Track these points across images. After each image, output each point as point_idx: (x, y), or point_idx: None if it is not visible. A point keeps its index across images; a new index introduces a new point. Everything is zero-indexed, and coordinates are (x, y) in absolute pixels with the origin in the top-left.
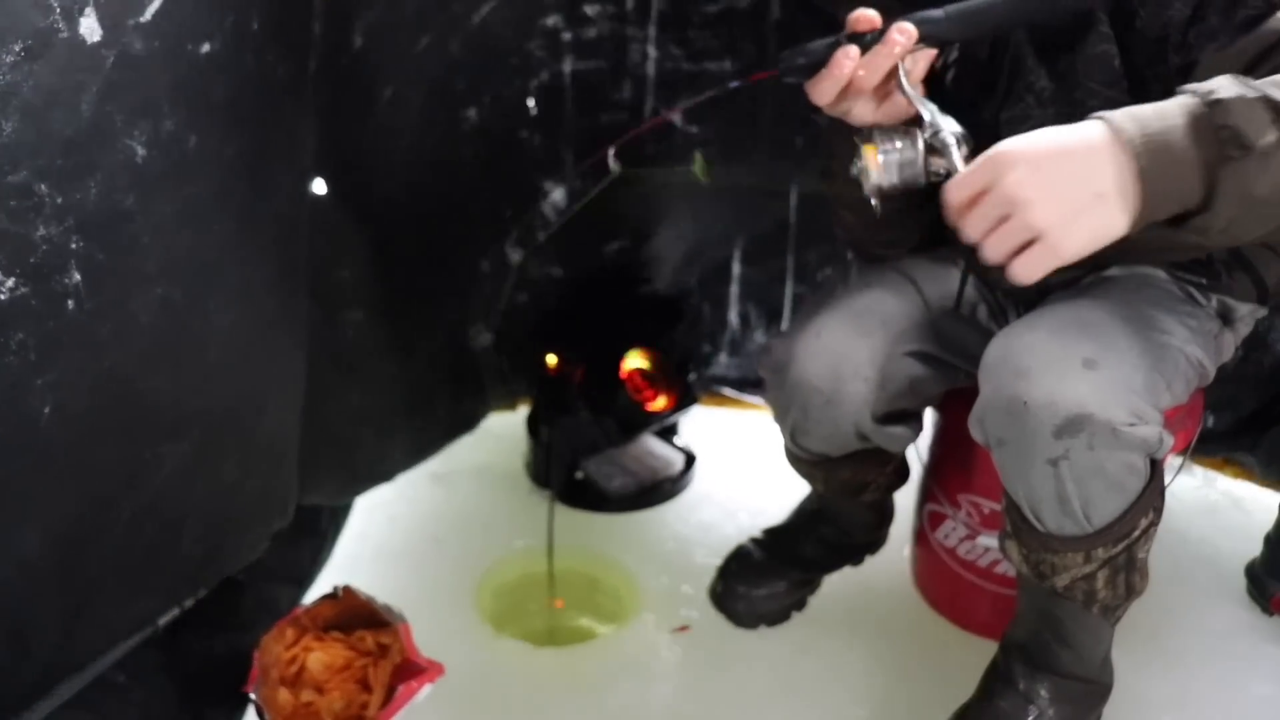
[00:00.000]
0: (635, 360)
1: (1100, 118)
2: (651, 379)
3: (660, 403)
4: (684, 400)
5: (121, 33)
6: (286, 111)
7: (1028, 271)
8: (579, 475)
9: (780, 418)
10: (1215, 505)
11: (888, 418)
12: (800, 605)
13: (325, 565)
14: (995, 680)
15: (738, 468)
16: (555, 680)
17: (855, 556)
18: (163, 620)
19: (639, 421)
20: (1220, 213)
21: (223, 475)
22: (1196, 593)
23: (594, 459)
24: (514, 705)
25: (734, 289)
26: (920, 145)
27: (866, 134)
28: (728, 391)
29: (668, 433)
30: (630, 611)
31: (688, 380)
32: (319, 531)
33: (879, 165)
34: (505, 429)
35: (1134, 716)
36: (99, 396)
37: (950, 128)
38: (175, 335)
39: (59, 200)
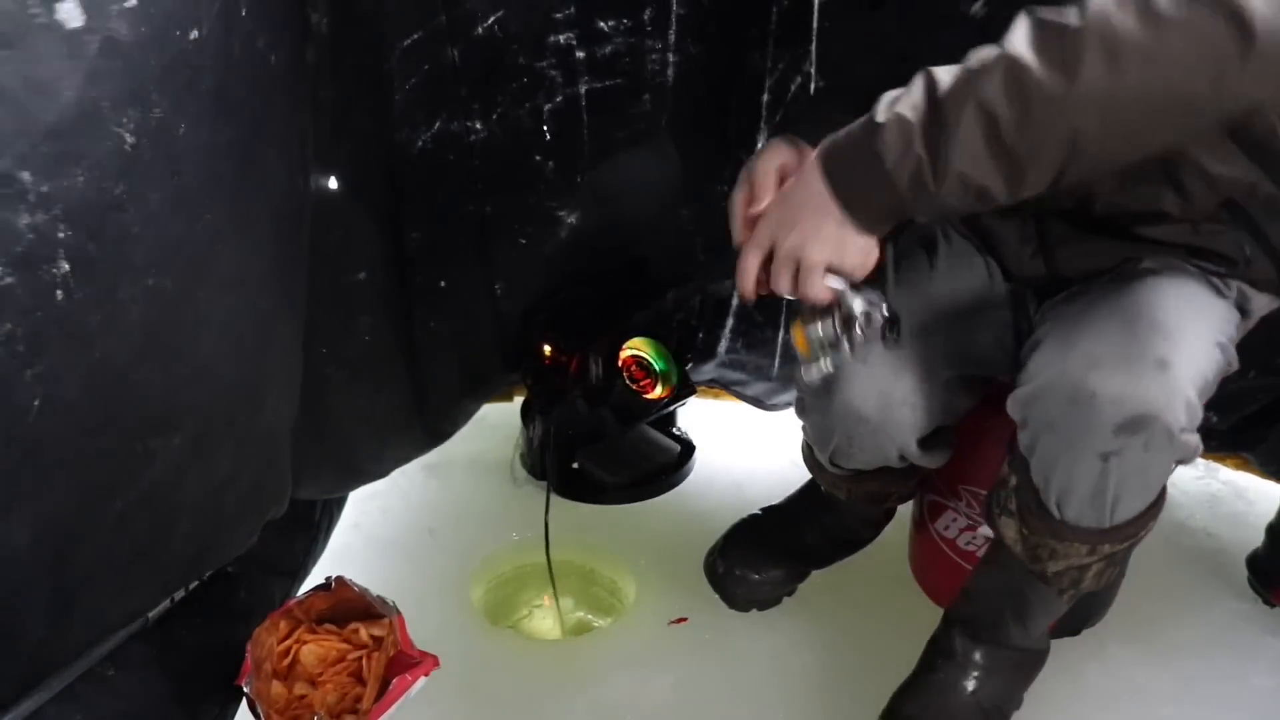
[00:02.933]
0: (633, 349)
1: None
2: (649, 368)
3: (658, 392)
4: (682, 390)
5: (105, 18)
6: (279, 101)
7: (804, 287)
8: (575, 466)
9: (820, 441)
10: (1217, 495)
11: (928, 438)
12: (791, 591)
13: (318, 557)
14: (935, 653)
15: (736, 458)
16: (551, 673)
17: (855, 551)
18: (154, 613)
19: (636, 411)
20: (919, 207)
21: (217, 469)
22: (1197, 583)
23: (590, 449)
24: (509, 698)
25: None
26: (839, 319)
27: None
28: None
29: (665, 422)
30: (627, 603)
31: (685, 369)
32: (312, 523)
33: (806, 348)
34: (500, 419)
35: (1134, 706)
36: (90, 388)
37: (861, 308)
38: (167, 326)
39: (44, 188)
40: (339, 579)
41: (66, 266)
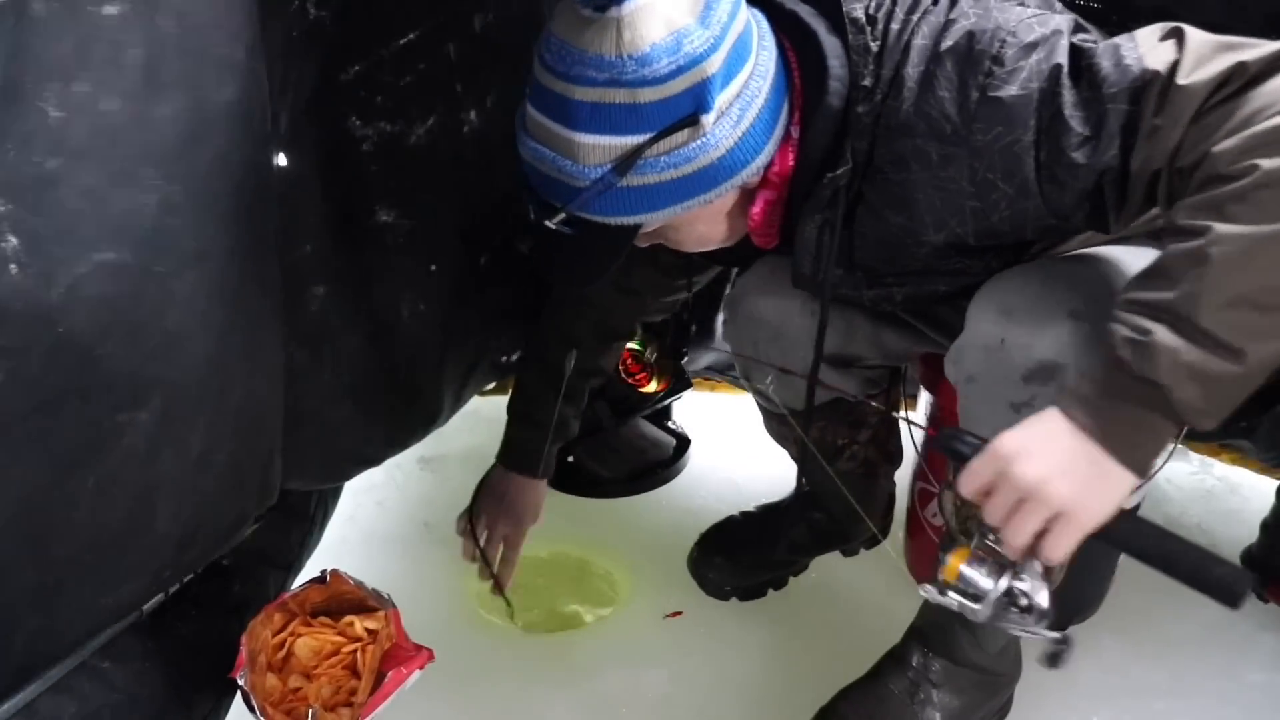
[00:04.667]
0: (628, 342)
1: (1053, 404)
2: (644, 361)
3: (653, 386)
4: (678, 383)
5: None
6: (227, 77)
7: (1058, 547)
8: (570, 459)
9: (736, 356)
10: (1212, 491)
11: (840, 360)
12: (779, 584)
13: (313, 550)
14: (889, 660)
15: (733, 452)
16: (546, 666)
17: (845, 544)
18: (148, 605)
19: (632, 405)
20: (1206, 416)
21: (190, 445)
22: None
23: (586, 442)
24: (504, 691)
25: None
26: (1000, 586)
27: (966, 537)
28: (720, 378)
29: (661, 416)
30: (622, 597)
31: (681, 363)
32: (307, 516)
33: (953, 577)
34: (495, 412)
35: (1128, 702)
36: (54, 364)
37: (1042, 597)
38: (130, 301)
39: None
40: (334, 572)
41: (14, 240)
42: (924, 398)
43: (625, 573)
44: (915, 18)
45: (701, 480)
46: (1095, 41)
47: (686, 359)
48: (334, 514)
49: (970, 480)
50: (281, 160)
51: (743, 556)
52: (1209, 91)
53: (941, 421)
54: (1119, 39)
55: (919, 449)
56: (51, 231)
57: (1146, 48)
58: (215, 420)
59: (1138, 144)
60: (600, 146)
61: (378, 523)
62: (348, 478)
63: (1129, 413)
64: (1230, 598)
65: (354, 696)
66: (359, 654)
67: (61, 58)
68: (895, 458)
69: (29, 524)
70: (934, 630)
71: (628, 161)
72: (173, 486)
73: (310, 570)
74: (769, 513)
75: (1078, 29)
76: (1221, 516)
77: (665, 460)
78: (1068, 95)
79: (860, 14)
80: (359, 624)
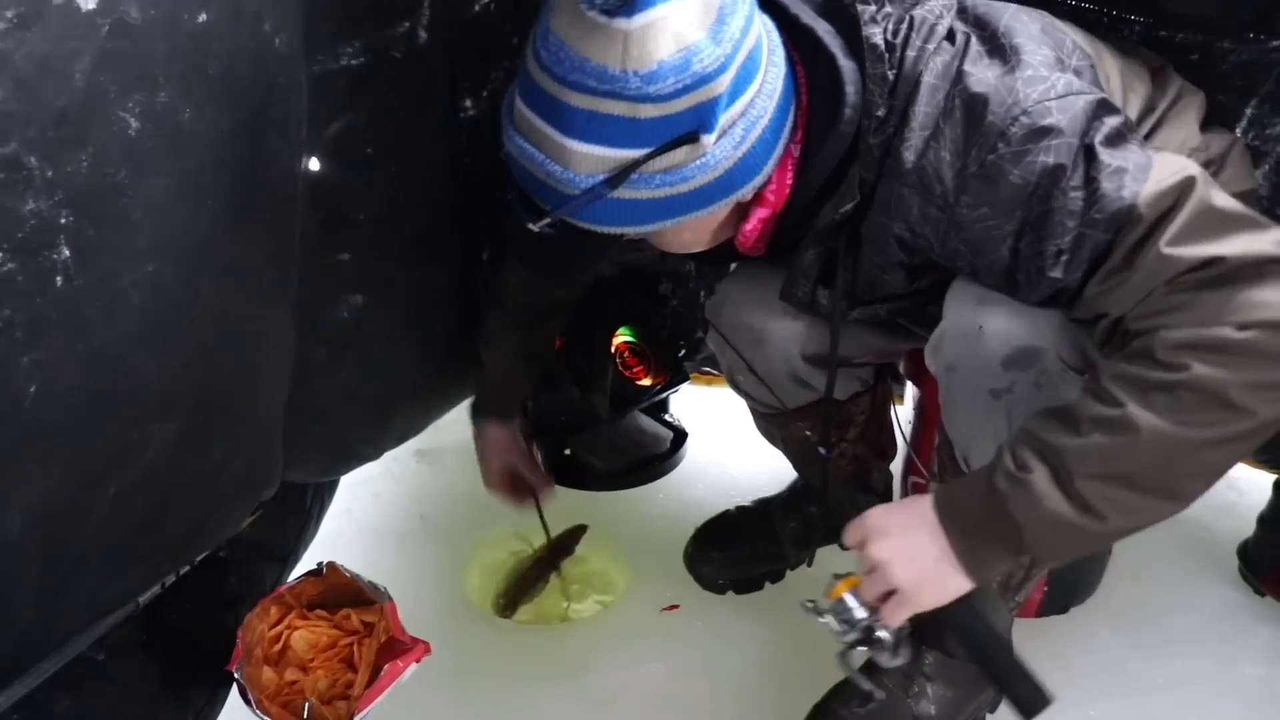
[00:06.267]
0: (625, 335)
1: (932, 494)
2: (641, 354)
3: (650, 379)
4: (675, 376)
5: (117, 0)
6: (281, 84)
7: (893, 615)
8: (567, 452)
9: (721, 359)
10: None
11: (824, 361)
12: (775, 577)
13: (310, 542)
14: None
15: (730, 445)
16: (543, 659)
17: (841, 538)
18: (144, 597)
19: (628, 398)
20: (1051, 558)
21: (211, 454)
22: (1188, 572)
23: (582, 435)
24: (501, 685)
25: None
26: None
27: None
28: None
29: (658, 409)
30: (619, 590)
31: (679, 356)
32: (303, 509)
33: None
34: None
35: (1125, 695)
36: (86, 374)
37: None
38: (166, 313)
39: (49, 173)
40: (330, 564)
41: (67, 252)
42: (910, 391)
43: (622, 566)
44: (931, 47)
45: (698, 474)
46: (1114, 142)
47: (683, 352)
48: (330, 507)
49: (848, 536)
50: (315, 165)
51: (738, 551)
52: (1184, 270)
53: (927, 414)
54: (1133, 163)
55: (909, 442)
56: (107, 243)
57: (1153, 182)
58: (239, 427)
59: (1099, 274)
60: (594, 156)
61: (374, 516)
62: (349, 470)
63: (985, 532)
64: (1024, 711)
65: (350, 689)
66: (355, 647)
67: (151, 67)
68: (887, 453)
69: (44, 530)
70: (927, 624)
71: (622, 175)
72: (189, 491)
73: (307, 563)
74: (765, 507)
75: (1103, 111)
76: (1218, 510)
77: (662, 454)
78: (1060, 200)
79: (880, 40)
80: (355, 617)
